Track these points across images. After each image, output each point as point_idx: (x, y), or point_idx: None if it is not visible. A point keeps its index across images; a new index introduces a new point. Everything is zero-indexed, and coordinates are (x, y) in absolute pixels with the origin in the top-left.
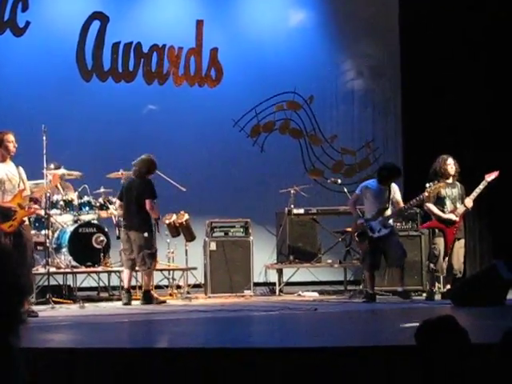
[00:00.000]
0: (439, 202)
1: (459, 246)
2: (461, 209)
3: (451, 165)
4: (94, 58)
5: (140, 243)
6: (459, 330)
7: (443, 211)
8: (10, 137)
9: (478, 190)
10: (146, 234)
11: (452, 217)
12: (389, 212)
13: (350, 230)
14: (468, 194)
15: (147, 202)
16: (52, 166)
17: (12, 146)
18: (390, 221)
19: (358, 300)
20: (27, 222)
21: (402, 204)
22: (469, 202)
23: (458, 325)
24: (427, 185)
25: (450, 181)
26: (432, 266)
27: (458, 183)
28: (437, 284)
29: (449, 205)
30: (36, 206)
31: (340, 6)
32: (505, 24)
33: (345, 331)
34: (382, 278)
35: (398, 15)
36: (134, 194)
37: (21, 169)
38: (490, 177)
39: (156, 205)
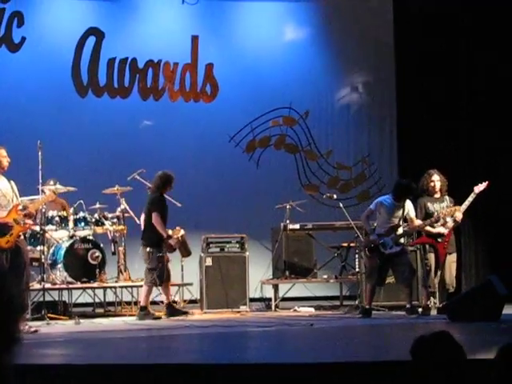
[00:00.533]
0: (428, 217)
1: (451, 261)
2: (450, 222)
3: (435, 181)
4: (90, 73)
5: (144, 258)
6: (455, 345)
7: (433, 226)
8: (3, 152)
9: (467, 203)
10: (148, 249)
11: (441, 230)
12: (401, 229)
13: (345, 244)
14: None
15: (152, 215)
16: (52, 182)
17: (5, 161)
18: (402, 238)
19: (354, 315)
20: (22, 237)
21: (415, 222)
22: (458, 215)
23: (454, 340)
24: (443, 205)
25: (437, 195)
26: (425, 281)
27: (446, 197)
28: (432, 299)
29: None
30: (30, 221)
31: (335, 22)
32: (500, 40)
33: (342, 346)
34: (378, 294)
35: (393, 30)
36: (145, 209)
37: (12, 183)
38: (479, 188)
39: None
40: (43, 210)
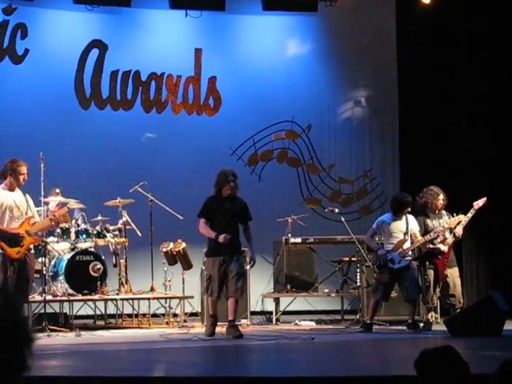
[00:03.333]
0: (427, 234)
1: (455, 276)
2: (450, 239)
3: (441, 200)
4: (93, 85)
5: None
6: (459, 359)
7: (433, 243)
8: (23, 169)
9: (466, 219)
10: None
11: (442, 247)
12: (408, 244)
13: (346, 259)
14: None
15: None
16: (57, 190)
17: (22, 179)
18: (409, 253)
19: (355, 329)
20: (33, 251)
21: (419, 236)
22: (459, 230)
23: (458, 354)
24: (442, 221)
25: (436, 212)
26: (425, 297)
27: (444, 212)
28: (434, 314)
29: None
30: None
31: (338, 36)
32: (502, 55)
33: (342, 361)
34: (379, 308)
35: (396, 45)
36: None
37: (28, 196)
38: (478, 204)
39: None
40: None
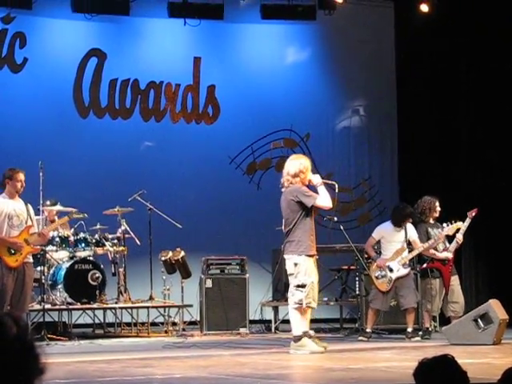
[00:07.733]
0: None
1: (457, 283)
2: (453, 245)
3: (438, 207)
4: (91, 94)
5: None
6: (458, 368)
7: (437, 250)
8: (20, 176)
9: (464, 228)
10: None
11: (448, 255)
12: (406, 253)
13: (345, 267)
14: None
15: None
16: (48, 202)
17: (20, 186)
18: (408, 261)
19: (355, 338)
20: (31, 260)
21: (418, 244)
22: (460, 237)
23: (457, 363)
24: (439, 230)
25: (432, 222)
26: (428, 306)
27: (438, 223)
28: (433, 322)
29: (440, 244)
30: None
31: (336, 45)
32: (505, 63)
33: (341, 369)
34: (379, 317)
35: (395, 53)
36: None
37: (29, 206)
38: (472, 214)
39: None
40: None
